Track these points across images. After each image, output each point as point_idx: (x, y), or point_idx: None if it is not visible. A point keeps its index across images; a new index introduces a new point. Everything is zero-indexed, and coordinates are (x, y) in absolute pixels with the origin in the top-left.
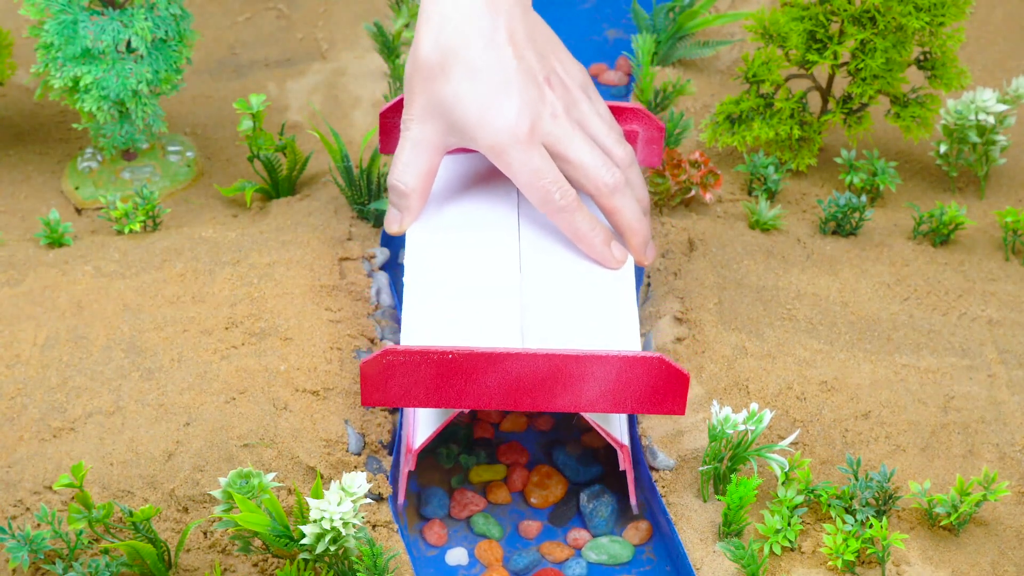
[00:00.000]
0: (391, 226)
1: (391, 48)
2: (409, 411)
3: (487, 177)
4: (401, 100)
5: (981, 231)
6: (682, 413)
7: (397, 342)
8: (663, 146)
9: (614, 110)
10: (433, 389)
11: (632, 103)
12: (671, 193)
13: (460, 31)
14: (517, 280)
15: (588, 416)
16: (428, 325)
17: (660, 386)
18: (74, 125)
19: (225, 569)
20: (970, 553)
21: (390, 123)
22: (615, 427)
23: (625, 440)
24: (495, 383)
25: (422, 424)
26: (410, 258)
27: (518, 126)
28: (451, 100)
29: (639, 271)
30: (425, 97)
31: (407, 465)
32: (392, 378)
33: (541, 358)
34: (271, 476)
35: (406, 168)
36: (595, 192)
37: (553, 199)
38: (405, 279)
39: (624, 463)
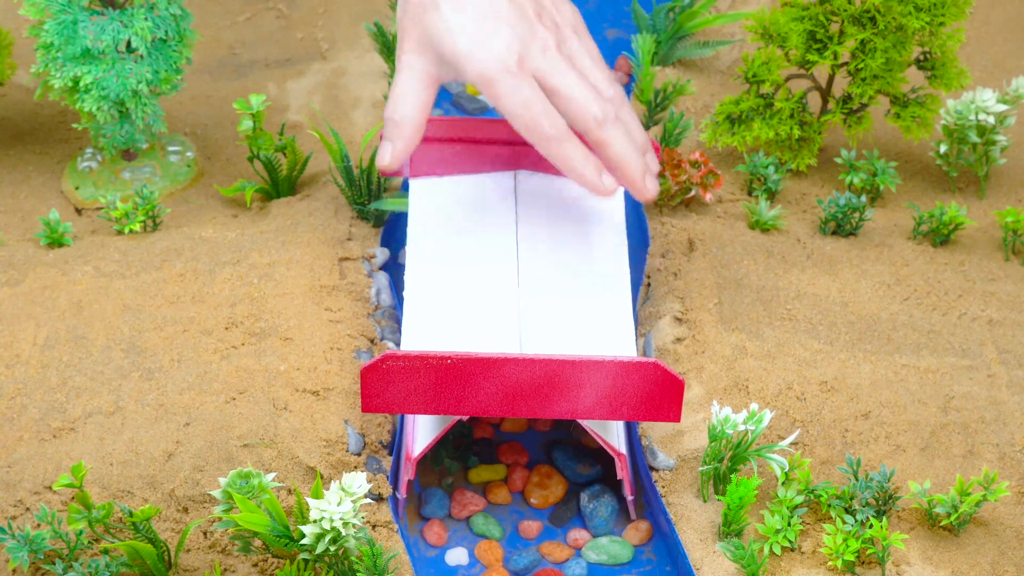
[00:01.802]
0: (383, 159)
1: (391, 48)
2: (409, 420)
3: (488, 193)
4: None
5: (981, 231)
6: (678, 420)
7: (397, 342)
8: (659, 162)
9: None
10: (432, 395)
11: None
12: (671, 193)
13: None
14: (515, 289)
15: (586, 424)
16: (428, 331)
17: (656, 392)
18: (74, 125)
19: (225, 569)
20: (970, 553)
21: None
22: (612, 436)
23: (623, 449)
24: (493, 389)
25: (421, 433)
26: (411, 267)
27: (508, 57)
28: (442, 32)
29: (638, 274)
30: (417, 31)
31: (406, 474)
32: (392, 384)
33: (538, 363)
34: (271, 476)
35: (401, 99)
36: (584, 125)
37: (542, 128)
38: (405, 288)
39: (621, 472)
